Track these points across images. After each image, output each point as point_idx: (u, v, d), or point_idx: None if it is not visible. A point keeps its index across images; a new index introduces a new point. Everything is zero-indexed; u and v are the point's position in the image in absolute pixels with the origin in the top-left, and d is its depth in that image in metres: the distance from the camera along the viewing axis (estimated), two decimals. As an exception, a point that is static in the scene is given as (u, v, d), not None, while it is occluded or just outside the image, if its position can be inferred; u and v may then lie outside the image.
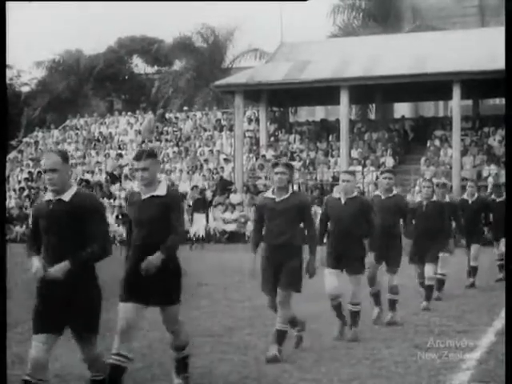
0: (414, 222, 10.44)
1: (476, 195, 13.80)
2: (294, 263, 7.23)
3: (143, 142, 35.83)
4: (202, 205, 25.15)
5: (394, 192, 9.60)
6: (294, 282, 7.24)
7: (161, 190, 6.06)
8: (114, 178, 32.28)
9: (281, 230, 7.25)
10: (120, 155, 34.71)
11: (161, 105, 42.10)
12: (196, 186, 28.04)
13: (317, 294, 9.16)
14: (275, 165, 7.47)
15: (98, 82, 45.64)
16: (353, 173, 9.04)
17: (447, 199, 11.65)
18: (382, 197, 9.55)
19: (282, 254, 7.25)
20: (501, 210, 12.29)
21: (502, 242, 13.28)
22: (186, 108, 38.75)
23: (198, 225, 24.61)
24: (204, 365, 7.13)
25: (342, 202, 8.44)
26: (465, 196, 13.93)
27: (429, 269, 10.73)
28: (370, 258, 8.55)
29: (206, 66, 42.49)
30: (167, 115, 37.97)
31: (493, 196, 14.70)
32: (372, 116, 37.39)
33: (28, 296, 12.26)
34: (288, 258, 7.24)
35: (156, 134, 36.39)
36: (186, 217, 25.71)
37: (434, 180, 18.54)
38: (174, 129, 36.46)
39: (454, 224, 12.22)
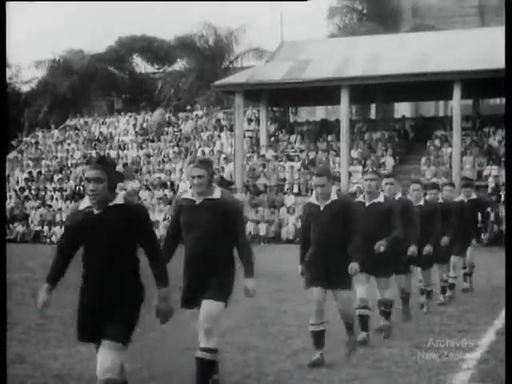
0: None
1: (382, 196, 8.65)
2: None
3: (143, 141, 35.84)
4: None
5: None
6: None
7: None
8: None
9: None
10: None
11: (164, 104, 42.09)
12: (195, 187, 28.06)
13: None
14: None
15: (98, 82, 45.63)
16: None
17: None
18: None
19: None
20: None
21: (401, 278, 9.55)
22: (188, 108, 38.76)
23: None
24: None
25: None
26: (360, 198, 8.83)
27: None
28: None
29: (206, 66, 42.49)
30: (167, 115, 38.00)
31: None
32: (372, 116, 37.40)
33: (28, 296, 12.25)
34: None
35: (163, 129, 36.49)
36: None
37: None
38: (175, 129, 36.48)
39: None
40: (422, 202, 10.19)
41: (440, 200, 10.99)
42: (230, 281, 6.12)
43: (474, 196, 12.83)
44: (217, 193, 6.07)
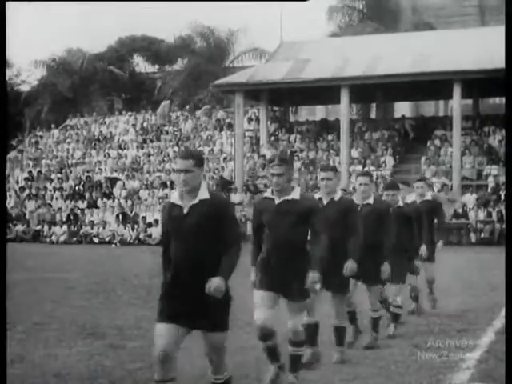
0: None
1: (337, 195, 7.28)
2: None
3: (144, 141, 35.83)
4: None
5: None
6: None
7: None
8: (113, 182, 32.25)
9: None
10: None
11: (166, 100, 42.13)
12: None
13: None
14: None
15: (98, 82, 45.66)
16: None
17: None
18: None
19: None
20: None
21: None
22: (190, 105, 38.74)
23: None
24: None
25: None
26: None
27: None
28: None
29: (206, 66, 42.49)
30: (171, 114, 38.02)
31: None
32: (372, 115, 37.39)
33: (28, 296, 12.25)
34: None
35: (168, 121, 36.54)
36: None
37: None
38: (175, 128, 36.47)
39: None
40: (370, 200, 7.97)
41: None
42: None
43: (429, 196, 10.62)
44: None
